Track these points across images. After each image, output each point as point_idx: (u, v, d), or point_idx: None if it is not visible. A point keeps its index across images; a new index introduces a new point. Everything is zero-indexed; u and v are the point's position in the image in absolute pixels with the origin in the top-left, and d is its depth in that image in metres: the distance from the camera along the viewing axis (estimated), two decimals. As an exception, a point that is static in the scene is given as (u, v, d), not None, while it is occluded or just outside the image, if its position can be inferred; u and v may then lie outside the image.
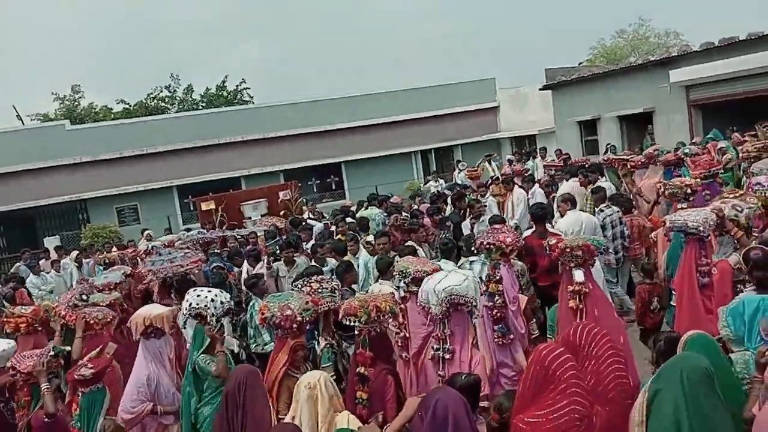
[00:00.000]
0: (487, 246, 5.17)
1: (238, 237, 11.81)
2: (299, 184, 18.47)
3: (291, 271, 7.79)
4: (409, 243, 7.70)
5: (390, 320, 4.29)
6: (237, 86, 33.23)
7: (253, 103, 31.52)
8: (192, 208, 20.55)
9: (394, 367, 4.34)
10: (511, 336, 4.83)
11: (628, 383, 3.50)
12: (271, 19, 65.57)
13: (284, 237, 9.82)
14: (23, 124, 27.72)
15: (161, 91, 32.57)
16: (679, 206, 6.00)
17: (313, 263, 7.51)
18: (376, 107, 24.46)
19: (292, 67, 62.10)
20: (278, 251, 8.96)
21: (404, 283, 5.04)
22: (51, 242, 18.59)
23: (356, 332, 4.14)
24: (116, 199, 22.00)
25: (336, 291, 4.96)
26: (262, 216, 16.63)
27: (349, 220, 11.04)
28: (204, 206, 16.68)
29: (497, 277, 4.94)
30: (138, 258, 10.58)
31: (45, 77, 56.45)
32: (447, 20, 70.07)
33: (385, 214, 11.16)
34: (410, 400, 3.63)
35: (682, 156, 9.08)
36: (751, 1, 44.88)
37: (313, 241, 9.52)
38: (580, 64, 24.38)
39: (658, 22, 34.22)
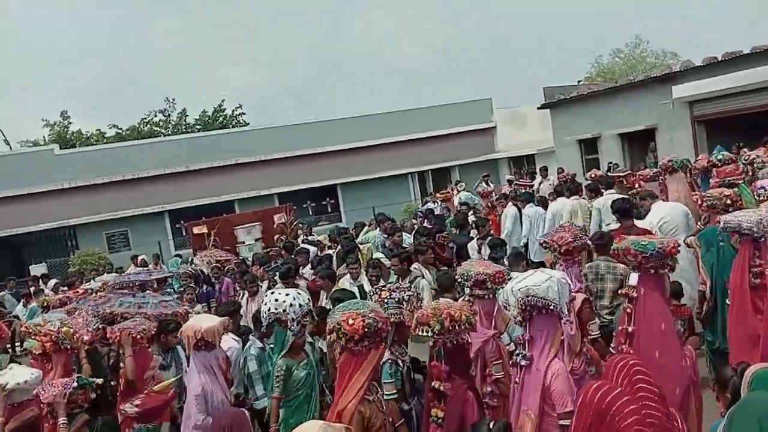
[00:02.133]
0: (543, 244, 5.50)
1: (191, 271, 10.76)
2: (294, 207, 18.01)
3: None
4: (415, 266, 7.22)
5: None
6: (233, 111, 33.00)
7: (245, 125, 31.23)
8: (184, 233, 20.03)
9: (473, 383, 3.98)
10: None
11: (663, 425, 3.00)
12: (265, 46, 65.86)
13: (278, 263, 9.31)
14: (11, 148, 27.26)
15: (155, 116, 32.27)
16: (719, 218, 5.43)
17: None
18: (372, 129, 24.14)
19: (286, 93, 62.17)
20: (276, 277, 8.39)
21: (467, 287, 4.83)
22: (37, 270, 18.03)
23: (431, 343, 3.86)
24: (106, 224, 21.46)
25: (404, 303, 4.56)
26: (256, 240, 16.17)
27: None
28: (196, 230, 16.20)
29: None
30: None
31: (36, 105, 56.29)
32: (442, 42, 70.52)
33: (385, 235, 10.74)
34: None
35: (716, 162, 8.57)
36: (749, 23, 45.26)
37: (309, 266, 9.03)
38: (579, 82, 24.16)
39: (655, 43, 34.05)
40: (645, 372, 3.16)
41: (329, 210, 24.48)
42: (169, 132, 31.81)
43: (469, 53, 67.97)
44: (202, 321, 4.87)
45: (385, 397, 4.04)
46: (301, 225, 17.46)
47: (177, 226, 21.65)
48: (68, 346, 5.22)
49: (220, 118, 32.53)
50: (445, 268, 7.58)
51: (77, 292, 9.84)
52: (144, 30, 60.42)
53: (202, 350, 4.66)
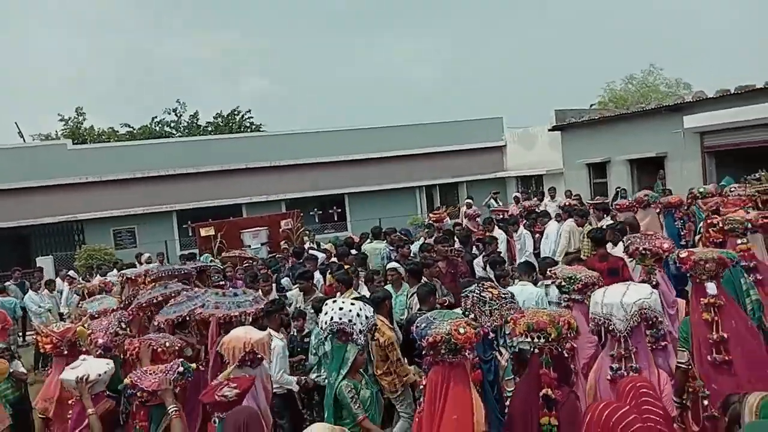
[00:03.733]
0: (642, 251, 5.37)
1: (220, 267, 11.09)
2: (301, 214, 18.11)
3: (308, 301, 7.52)
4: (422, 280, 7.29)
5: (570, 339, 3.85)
6: (242, 115, 33.27)
7: (259, 131, 31.46)
8: (191, 234, 20.15)
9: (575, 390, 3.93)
10: (664, 342, 4.52)
11: None
12: (277, 57, 66.41)
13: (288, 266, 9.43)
14: (24, 141, 27.50)
15: (168, 114, 32.57)
16: (738, 242, 5.47)
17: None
18: (383, 141, 24.26)
19: (299, 102, 62.57)
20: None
21: (569, 290, 4.88)
22: (44, 262, 18.16)
23: (533, 350, 3.71)
24: (113, 221, 21.56)
25: (515, 299, 4.61)
26: (261, 244, 16.29)
27: (353, 252, 10.66)
28: (203, 232, 16.35)
29: (653, 283, 5.02)
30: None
31: (51, 101, 56.87)
32: (456, 60, 70.88)
33: (391, 248, 10.82)
34: None
35: (697, 195, 8.90)
36: (763, 58, 45.37)
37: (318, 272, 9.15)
38: (591, 106, 24.27)
39: (669, 71, 33.77)
40: (651, 394, 3.25)
41: (335, 219, 24.59)
42: (180, 133, 32.06)
43: (482, 73, 68.39)
44: (250, 332, 4.36)
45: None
46: (307, 232, 17.57)
47: (184, 226, 21.78)
48: (81, 348, 5.00)
49: (231, 123, 32.79)
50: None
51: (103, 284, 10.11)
52: (162, 35, 61.01)
53: (246, 366, 4.18)
